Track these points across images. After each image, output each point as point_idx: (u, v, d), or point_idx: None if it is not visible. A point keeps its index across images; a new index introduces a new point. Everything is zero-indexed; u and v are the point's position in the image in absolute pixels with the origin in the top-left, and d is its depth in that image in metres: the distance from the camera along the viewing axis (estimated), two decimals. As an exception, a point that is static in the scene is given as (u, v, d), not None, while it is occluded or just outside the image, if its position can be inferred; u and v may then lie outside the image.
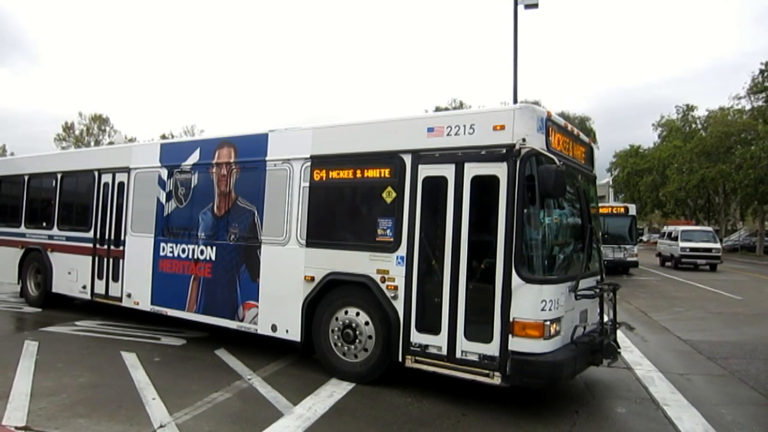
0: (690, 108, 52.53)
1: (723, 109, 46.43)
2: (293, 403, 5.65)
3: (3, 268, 11.59)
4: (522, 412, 5.71)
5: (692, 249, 27.06)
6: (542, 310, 5.30)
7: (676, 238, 28.38)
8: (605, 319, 6.35)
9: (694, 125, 51.85)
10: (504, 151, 5.52)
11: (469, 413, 5.60)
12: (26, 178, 11.32)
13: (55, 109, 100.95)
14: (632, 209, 24.58)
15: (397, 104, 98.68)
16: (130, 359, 7.16)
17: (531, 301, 5.31)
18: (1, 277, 12.01)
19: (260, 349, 7.65)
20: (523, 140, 5.42)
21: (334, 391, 6.10)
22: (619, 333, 7.01)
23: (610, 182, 64.51)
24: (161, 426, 4.97)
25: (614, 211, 23.96)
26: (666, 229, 34.02)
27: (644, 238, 64.23)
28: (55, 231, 10.47)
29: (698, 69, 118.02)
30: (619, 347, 6.35)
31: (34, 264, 10.94)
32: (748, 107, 44.24)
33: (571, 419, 5.57)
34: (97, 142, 63.35)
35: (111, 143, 57.27)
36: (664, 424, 5.53)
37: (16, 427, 4.82)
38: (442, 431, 5.17)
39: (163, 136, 57.67)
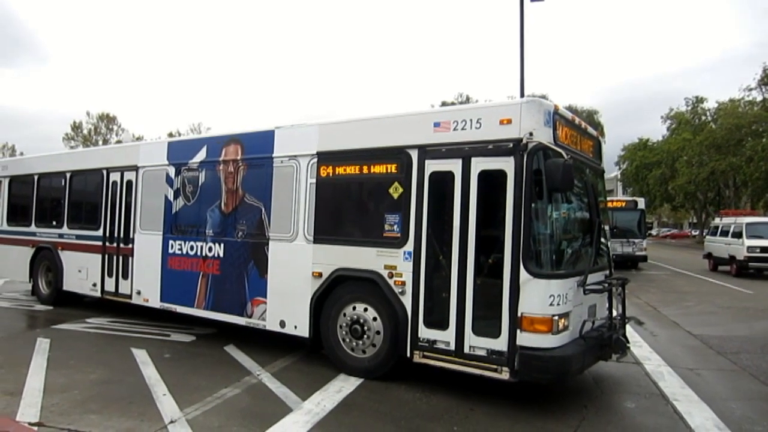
0: (699, 100, 52.02)
1: (733, 100, 45.89)
2: (302, 399, 5.68)
3: (15, 267, 11.70)
4: (531, 407, 5.71)
5: (764, 249, 19.85)
6: (550, 304, 5.28)
7: (737, 234, 20.96)
8: (614, 313, 6.33)
9: (703, 117, 51.35)
10: (511, 145, 5.49)
11: (477, 408, 5.61)
12: (36, 177, 11.41)
13: (64, 108, 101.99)
14: (641, 203, 24.36)
15: (403, 99, 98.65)
16: (141, 356, 7.22)
17: (539, 295, 5.29)
18: (13, 275, 12.16)
19: (269, 345, 7.69)
20: (531, 134, 5.39)
21: (342, 387, 6.12)
22: (628, 328, 6.98)
23: (619, 176, 64.30)
24: (172, 421, 5.00)
25: (622, 205, 23.74)
26: (718, 221, 24.34)
27: (653, 232, 63.92)
28: (65, 230, 10.55)
29: (709, 61, 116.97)
30: (628, 342, 6.32)
31: (45, 262, 11.04)
32: (759, 99, 43.68)
33: (580, 414, 5.56)
34: (105, 141, 63.70)
35: (119, 142, 57.43)
36: (673, 420, 5.50)
37: (30, 423, 4.88)
38: (451, 426, 5.17)
39: (170, 134, 57.81)
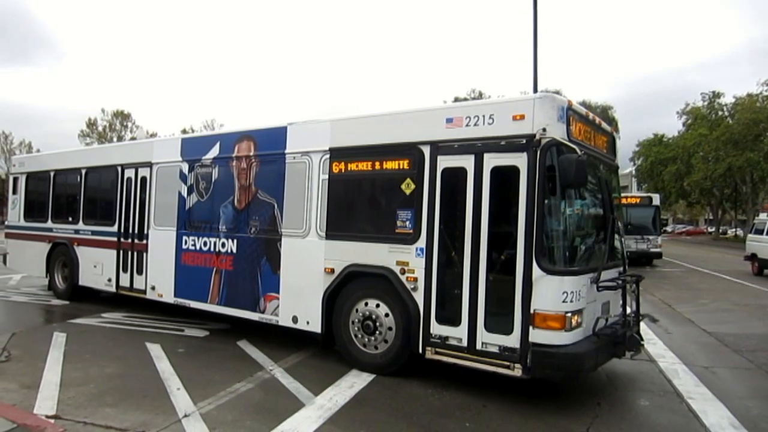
0: (716, 95, 51.39)
1: (751, 95, 45.24)
2: (314, 394, 5.70)
3: (32, 262, 11.86)
4: (543, 404, 5.69)
5: None
6: (563, 301, 5.25)
7: None
8: (628, 310, 6.28)
9: (720, 112, 50.69)
10: (524, 141, 5.46)
11: (490, 405, 5.60)
12: (52, 174, 11.54)
13: (80, 106, 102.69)
14: (656, 199, 24.13)
15: (416, 95, 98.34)
16: (155, 350, 7.29)
17: (552, 292, 5.26)
18: (30, 270, 12.33)
19: (281, 340, 7.72)
20: (544, 130, 5.35)
21: (354, 382, 6.14)
22: (642, 325, 6.92)
23: (633, 172, 63.67)
24: (186, 415, 5.05)
25: (637, 202, 23.53)
26: (765, 217, 20.68)
27: (668, 229, 63.32)
28: (80, 225, 10.67)
29: (728, 53, 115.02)
30: (642, 339, 6.26)
31: (61, 258, 11.18)
32: (778, 93, 42.99)
33: (593, 411, 5.53)
34: (120, 138, 64.15)
35: (133, 138, 57.97)
36: (688, 418, 5.45)
37: (47, 416, 4.94)
38: (463, 422, 5.17)
39: (184, 131, 58.20)
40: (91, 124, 66.24)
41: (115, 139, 63.06)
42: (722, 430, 5.12)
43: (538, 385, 5.97)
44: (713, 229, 64.50)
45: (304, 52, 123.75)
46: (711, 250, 37.48)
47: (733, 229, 66.01)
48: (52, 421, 4.85)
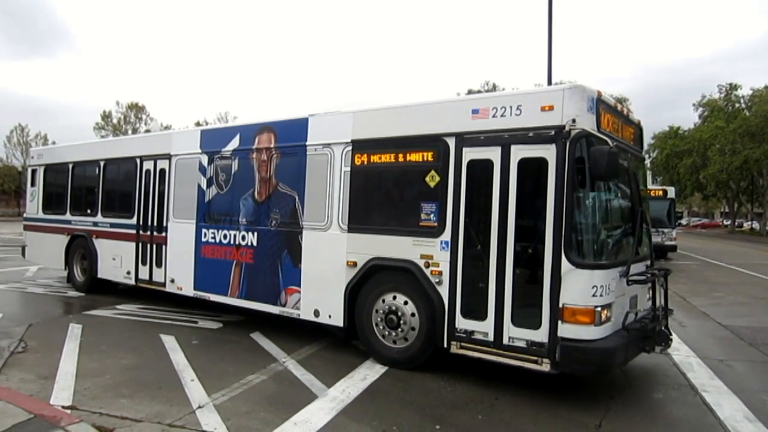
0: (733, 87, 50.81)
1: (769, 87, 44.68)
2: (327, 386, 5.69)
3: (50, 254, 11.89)
4: (556, 397, 5.62)
5: None
6: (593, 295, 5.14)
7: None
8: (656, 304, 6.17)
9: (737, 105, 50.07)
10: (553, 132, 5.33)
11: (502, 397, 5.56)
12: (71, 166, 11.53)
13: (94, 98, 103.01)
14: (671, 192, 23.91)
15: (429, 88, 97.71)
16: (170, 342, 7.29)
17: (581, 286, 5.15)
18: (48, 262, 12.37)
19: (294, 332, 7.71)
20: (573, 121, 5.23)
21: (367, 375, 6.11)
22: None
23: (648, 164, 63.13)
24: (200, 407, 5.04)
25: (652, 194, 23.31)
26: None
27: (683, 222, 62.79)
28: (99, 218, 10.66)
29: (750, 45, 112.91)
30: (671, 334, 6.14)
31: (80, 250, 11.19)
32: (796, 85, 42.42)
33: (606, 404, 5.47)
34: (134, 130, 64.44)
35: (148, 131, 58.19)
36: (702, 411, 5.37)
37: (63, 406, 4.96)
38: (475, 415, 5.12)
39: (198, 123, 58.30)
40: (106, 116, 66.59)
41: (129, 132, 63.36)
42: (737, 423, 5.05)
43: (551, 379, 5.85)
44: (729, 222, 63.85)
45: (318, 46, 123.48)
46: (727, 243, 37.06)
47: (749, 222, 65.38)
48: (69, 411, 4.86)
